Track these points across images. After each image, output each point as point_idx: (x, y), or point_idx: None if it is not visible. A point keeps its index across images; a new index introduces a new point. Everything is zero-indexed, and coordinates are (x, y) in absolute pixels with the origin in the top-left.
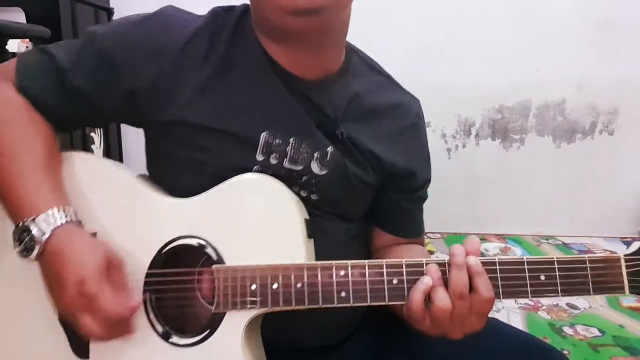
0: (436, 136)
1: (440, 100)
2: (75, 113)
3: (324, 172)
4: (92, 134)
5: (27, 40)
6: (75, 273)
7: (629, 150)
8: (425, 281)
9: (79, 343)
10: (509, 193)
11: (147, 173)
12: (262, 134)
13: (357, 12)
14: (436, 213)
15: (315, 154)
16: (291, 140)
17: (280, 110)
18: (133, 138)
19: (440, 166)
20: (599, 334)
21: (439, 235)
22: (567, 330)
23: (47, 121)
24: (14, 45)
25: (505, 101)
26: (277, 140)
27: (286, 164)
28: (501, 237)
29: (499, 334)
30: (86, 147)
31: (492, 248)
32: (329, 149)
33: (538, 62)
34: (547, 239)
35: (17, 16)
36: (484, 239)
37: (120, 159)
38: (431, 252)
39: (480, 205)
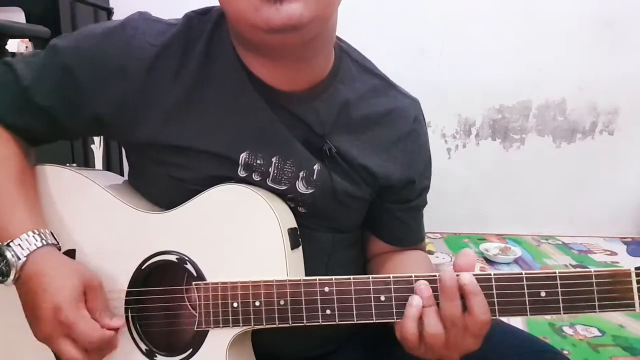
0: (436, 136)
1: (440, 100)
2: (43, 130)
3: (310, 191)
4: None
5: (27, 40)
6: (51, 301)
7: (629, 150)
8: (415, 303)
9: None
10: (509, 193)
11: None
12: (242, 154)
13: (357, 13)
14: (436, 213)
15: (301, 174)
16: (274, 159)
17: (260, 128)
18: None
19: (440, 166)
20: (599, 334)
21: (439, 235)
22: (567, 330)
23: (17, 138)
24: (13, 45)
25: (505, 101)
26: (258, 161)
27: (269, 183)
28: (501, 237)
29: (500, 335)
30: (86, 146)
31: (492, 248)
32: (316, 167)
33: (538, 62)
34: (547, 239)
35: (17, 16)
36: (484, 239)
37: (120, 159)
38: (430, 252)
39: (480, 205)
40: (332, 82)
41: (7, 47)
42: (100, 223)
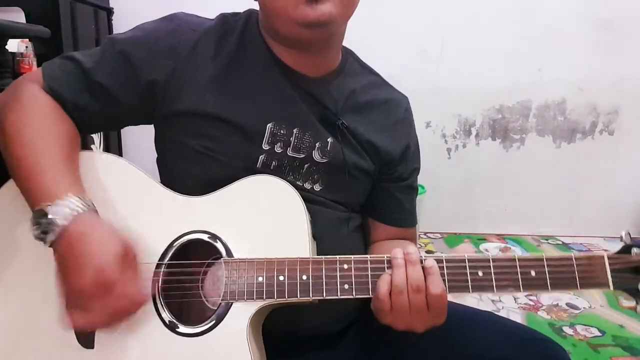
0: (436, 136)
1: (440, 100)
2: (99, 112)
3: (324, 160)
4: (92, 134)
5: (27, 40)
6: (95, 261)
7: (629, 150)
8: (388, 272)
9: (85, 334)
10: (509, 193)
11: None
12: (268, 125)
13: (358, 14)
14: (436, 213)
15: (317, 144)
16: (295, 130)
17: (285, 104)
18: (133, 138)
19: (440, 166)
20: (599, 334)
21: (439, 235)
22: (567, 330)
23: (72, 120)
24: (13, 45)
25: (505, 101)
26: (282, 131)
27: (289, 152)
28: (501, 237)
29: (496, 326)
30: (86, 146)
31: (492, 248)
32: (329, 139)
33: (538, 62)
34: (547, 239)
35: (17, 16)
36: (484, 239)
37: None
38: (430, 252)
39: (480, 205)
40: (341, 73)
41: (7, 47)
42: (135, 202)
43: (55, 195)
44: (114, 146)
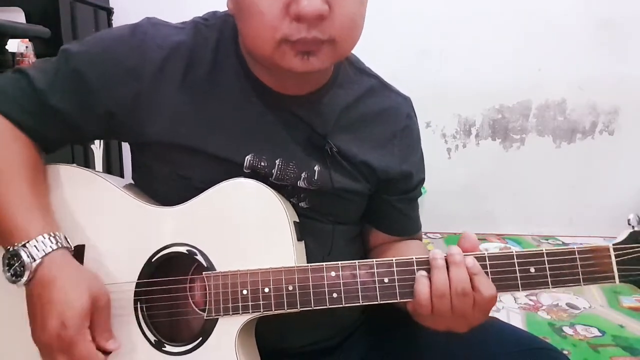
0: (436, 136)
1: (440, 100)
2: (56, 133)
3: (311, 189)
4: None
5: (27, 40)
6: (59, 315)
7: (629, 150)
8: (424, 271)
9: None
10: (508, 193)
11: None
12: (247, 157)
13: None
14: (436, 213)
15: (303, 174)
16: (277, 161)
17: (265, 132)
18: None
19: (440, 166)
20: (599, 334)
21: (439, 235)
22: (567, 330)
23: (31, 141)
24: (13, 45)
25: (505, 101)
26: (262, 163)
27: (272, 180)
28: (501, 237)
29: (500, 334)
30: (86, 146)
31: (492, 248)
32: (317, 167)
33: (538, 62)
34: (547, 239)
35: (17, 16)
36: (484, 239)
37: (120, 159)
38: None
39: (480, 205)
40: (332, 87)
41: (7, 47)
42: (110, 218)
43: (26, 234)
44: (114, 145)
